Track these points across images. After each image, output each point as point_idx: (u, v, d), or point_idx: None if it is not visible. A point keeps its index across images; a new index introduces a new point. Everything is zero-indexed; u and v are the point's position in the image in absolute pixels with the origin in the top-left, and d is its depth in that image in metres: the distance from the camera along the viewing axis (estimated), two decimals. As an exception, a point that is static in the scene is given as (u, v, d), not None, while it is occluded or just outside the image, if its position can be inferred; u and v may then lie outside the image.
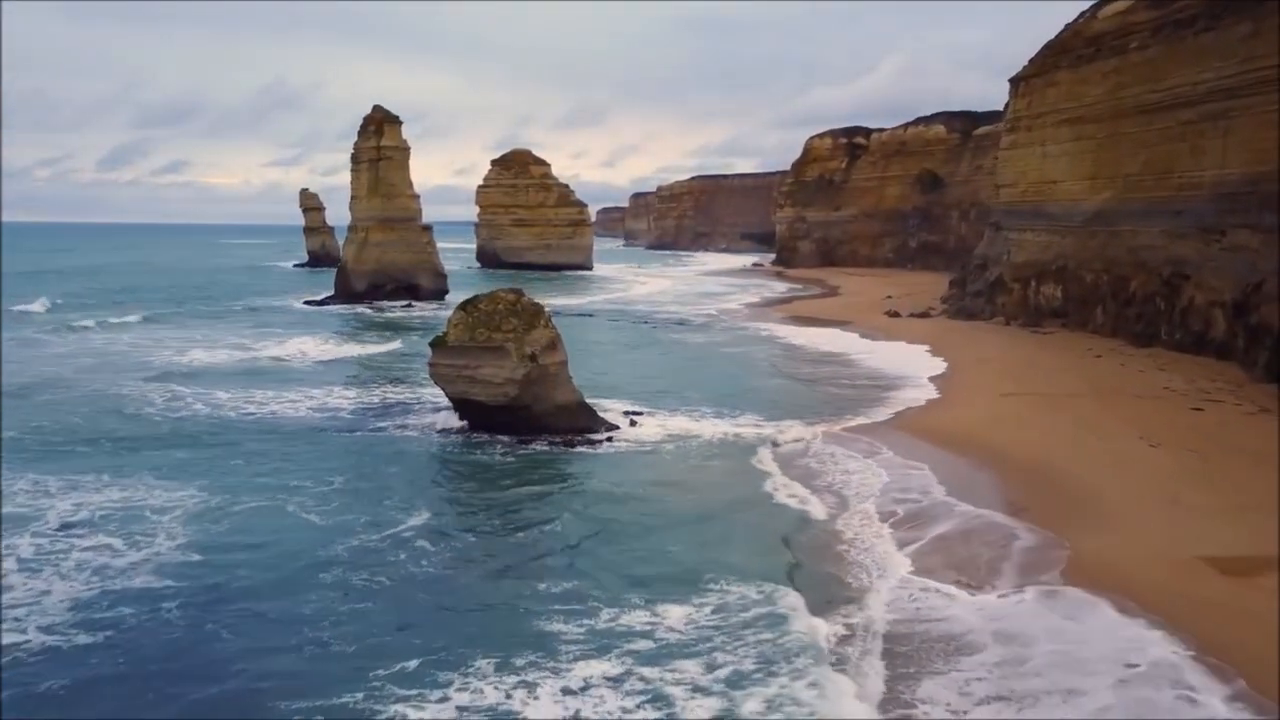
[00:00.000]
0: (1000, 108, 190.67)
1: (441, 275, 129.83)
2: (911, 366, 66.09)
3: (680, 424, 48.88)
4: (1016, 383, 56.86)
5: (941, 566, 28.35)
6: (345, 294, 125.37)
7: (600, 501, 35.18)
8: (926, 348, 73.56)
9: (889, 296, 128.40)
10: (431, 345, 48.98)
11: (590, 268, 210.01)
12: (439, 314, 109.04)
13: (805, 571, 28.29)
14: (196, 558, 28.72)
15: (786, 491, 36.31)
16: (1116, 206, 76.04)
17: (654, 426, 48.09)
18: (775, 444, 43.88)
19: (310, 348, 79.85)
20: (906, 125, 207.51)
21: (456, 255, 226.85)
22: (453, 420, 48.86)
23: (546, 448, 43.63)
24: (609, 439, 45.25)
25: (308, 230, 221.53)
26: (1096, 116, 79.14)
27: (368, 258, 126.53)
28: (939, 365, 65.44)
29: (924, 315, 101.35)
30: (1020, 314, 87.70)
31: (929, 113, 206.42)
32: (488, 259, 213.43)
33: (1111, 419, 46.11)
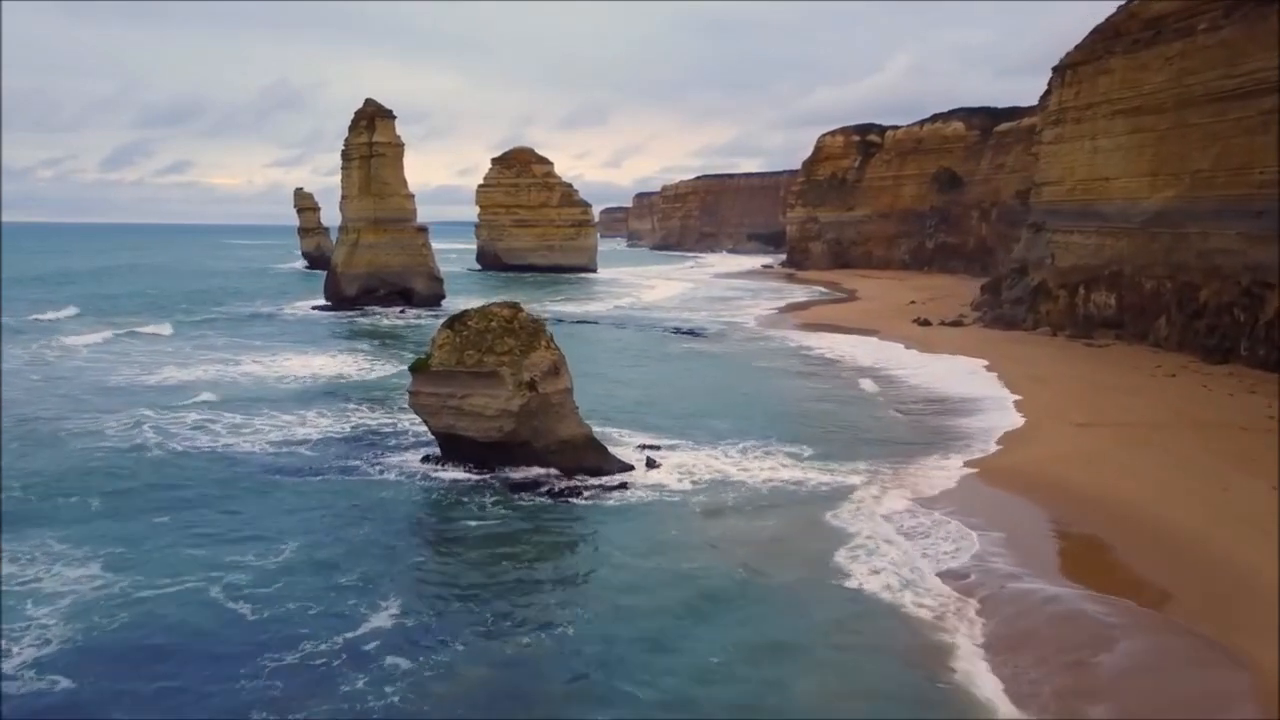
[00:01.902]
0: (1014, 105, 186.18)
1: (437, 279, 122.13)
2: (966, 386, 58.35)
3: (709, 463, 41.19)
4: (1090, 409, 49.26)
5: (1085, 703, 20.75)
6: (335, 299, 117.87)
7: (621, 587, 27.54)
8: (983, 363, 65.84)
9: (913, 302, 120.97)
10: (412, 370, 41.51)
11: (594, 270, 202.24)
12: (435, 321, 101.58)
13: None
14: (60, 685, 21.09)
15: (867, 569, 28.47)
16: (1183, 206, 68.31)
17: (677, 467, 40.42)
18: (840, 498, 35.71)
19: (291, 362, 72.34)
20: (923, 122, 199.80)
21: (458, 257, 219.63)
22: (436, 459, 41.38)
23: (547, 498, 36.03)
24: (623, 485, 37.61)
25: (302, 231, 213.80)
26: (1158, 106, 71.43)
27: (359, 260, 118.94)
28: (997, 386, 57.70)
29: (957, 324, 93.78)
30: (1067, 324, 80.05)
31: (935, 112, 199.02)
32: (488, 260, 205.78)
33: (1224, 460, 38.47)
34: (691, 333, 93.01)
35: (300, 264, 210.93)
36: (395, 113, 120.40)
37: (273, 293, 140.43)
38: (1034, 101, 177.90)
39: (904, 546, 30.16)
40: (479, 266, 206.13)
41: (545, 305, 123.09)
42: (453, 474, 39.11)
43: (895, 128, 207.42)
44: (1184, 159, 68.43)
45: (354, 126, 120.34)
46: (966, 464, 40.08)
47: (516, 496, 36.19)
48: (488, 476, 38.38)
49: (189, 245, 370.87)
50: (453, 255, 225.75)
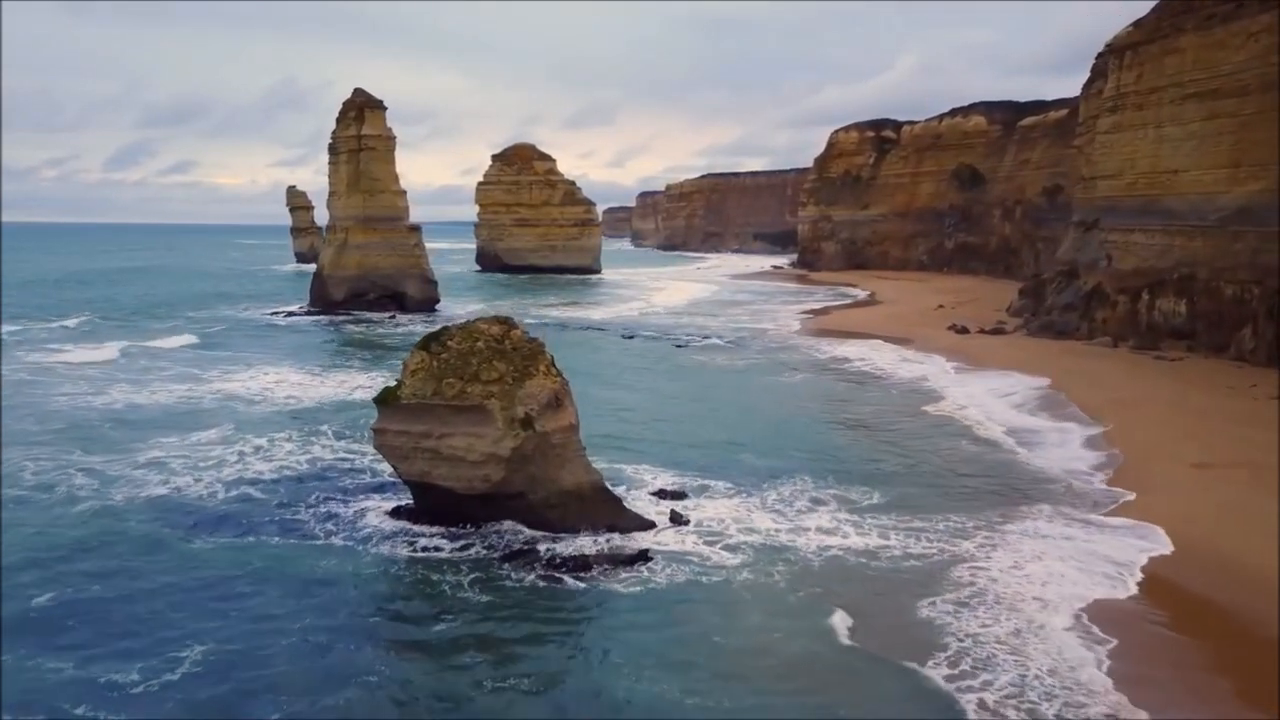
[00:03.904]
0: (1038, 99, 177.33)
1: (431, 282, 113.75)
2: (1036, 411, 50.13)
3: (747, 517, 32.98)
4: (1201, 444, 40.95)
5: None
6: (322, 303, 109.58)
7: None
8: (1045, 381, 57.45)
9: (940, 306, 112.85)
10: (378, 402, 33.34)
11: (598, 271, 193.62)
12: (428, 329, 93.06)
13: None
14: None
15: (992, 699, 20.16)
16: (1272, 201, 60.01)
17: (706, 525, 32.19)
18: (934, 579, 27.00)
19: (266, 378, 63.77)
20: (941, 117, 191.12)
21: (461, 257, 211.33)
22: (408, 512, 33.25)
23: (545, 576, 27.61)
24: (643, 554, 29.24)
25: (295, 231, 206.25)
26: (1239, 89, 63.12)
27: (347, 262, 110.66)
28: (1074, 411, 49.28)
29: (997, 331, 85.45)
30: (1129, 333, 71.70)
31: (948, 109, 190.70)
32: (488, 261, 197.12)
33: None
34: (709, 341, 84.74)
35: (302, 266, 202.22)
36: (400, 111, 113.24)
37: (260, 296, 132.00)
38: (1048, 98, 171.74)
39: (1050, 661, 21.79)
40: (479, 268, 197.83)
41: (547, 310, 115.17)
42: (424, 536, 30.88)
43: (912, 123, 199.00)
44: (1273, 148, 60.12)
45: (342, 118, 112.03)
46: (1088, 524, 31.58)
47: (504, 571, 27.92)
48: (469, 544, 30.13)
49: (191, 245, 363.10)
50: (455, 256, 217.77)
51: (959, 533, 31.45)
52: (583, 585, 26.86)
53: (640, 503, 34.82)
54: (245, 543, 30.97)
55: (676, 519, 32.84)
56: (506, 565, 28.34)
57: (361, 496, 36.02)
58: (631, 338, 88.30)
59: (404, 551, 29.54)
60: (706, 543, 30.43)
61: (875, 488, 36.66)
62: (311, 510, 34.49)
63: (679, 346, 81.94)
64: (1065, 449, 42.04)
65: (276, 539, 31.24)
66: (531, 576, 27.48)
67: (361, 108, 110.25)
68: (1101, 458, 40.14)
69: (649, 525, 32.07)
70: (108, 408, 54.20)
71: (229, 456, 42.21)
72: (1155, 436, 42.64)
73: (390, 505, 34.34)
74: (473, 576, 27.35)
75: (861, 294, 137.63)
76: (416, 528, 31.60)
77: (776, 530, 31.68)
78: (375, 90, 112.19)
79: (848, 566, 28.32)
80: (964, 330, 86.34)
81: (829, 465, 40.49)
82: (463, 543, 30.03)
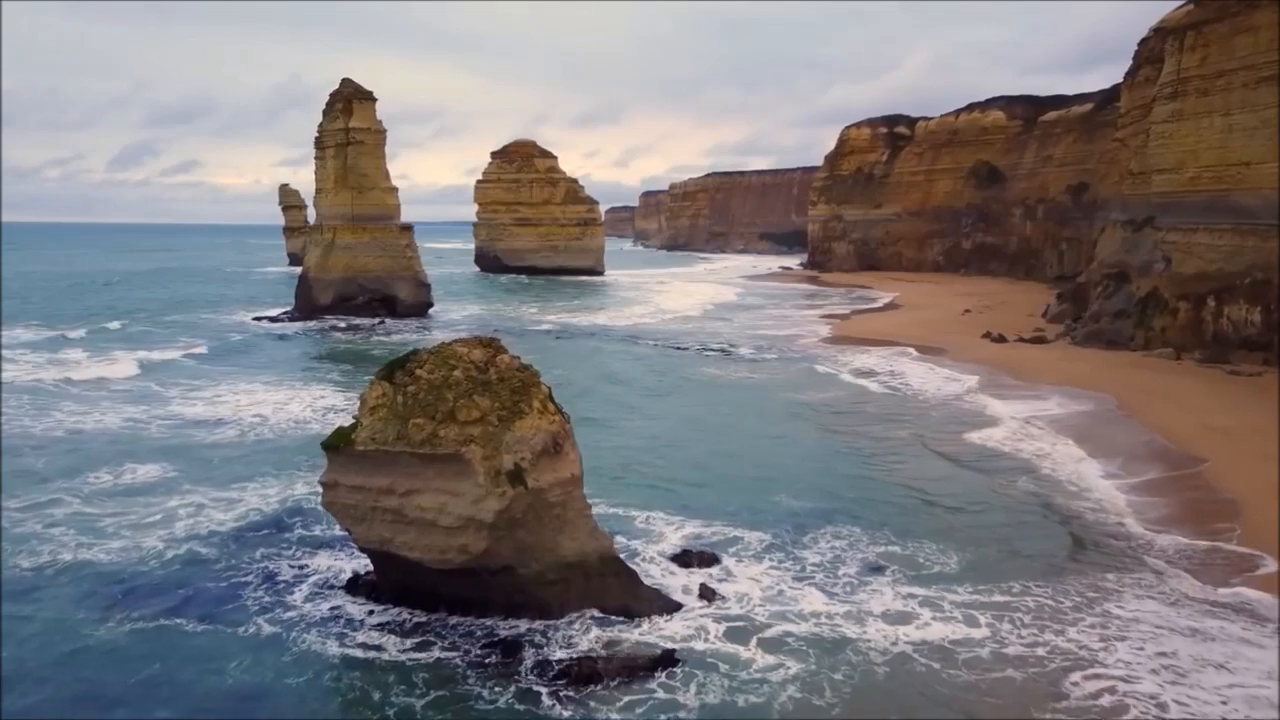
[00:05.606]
0: (1049, 96, 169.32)
1: (424, 285, 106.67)
2: (1113, 441, 42.68)
3: (792, 593, 26.08)
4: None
5: None
6: (307, 307, 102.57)
7: None
8: (1108, 399, 50.46)
9: (967, 310, 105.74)
10: (327, 448, 26.38)
11: (601, 272, 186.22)
12: (423, 336, 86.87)
13: None
14: None
15: None
16: (1367, 196, 53.02)
17: (742, 607, 25.21)
18: (1046, 695, 19.80)
19: (238, 399, 56.25)
20: (958, 112, 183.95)
21: (461, 257, 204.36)
22: (369, 584, 26.36)
23: (530, 695, 20.57)
24: (667, 658, 22.19)
25: (288, 230, 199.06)
26: (1324, 70, 56.14)
27: (335, 264, 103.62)
28: (1157, 439, 42.13)
29: (1038, 340, 78.37)
30: (1192, 343, 64.57)
31: (961, 106, 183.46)
32: (488, 263, 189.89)
33: None
34: (724, 352, 77.61)
35: (295, 268, 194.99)
36: (407, 110, 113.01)
37: (247, 300, 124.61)
38: (1064, 96, 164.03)
39: None
40: (478, 269, 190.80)
41: (547, 316, 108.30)
42: (372, 629, 23.83)
43: (927, 119, 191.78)
44: (1367, 136, 53.10)
45: (329, 110, 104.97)
46: (1252, 614, 24.37)
47: (473, 686, 20.88)
48: (428, 641, 23.08)
49: (189, 246, 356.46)
50: (454, 256, 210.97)
51: (1057, 614, 24.61)
52: (578, 716, 19.72)
53: (656, 567, 28.09)
54: (155, 628, 24.18)
55: (706, 593, 25.91)
56: (480, 672, 21.31)
57: (315, 556, 29.28)
58: (638, 345, 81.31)
59: (340, 650, 22.50)
60: (739, 636, 23.46)
61: (940, 545, 29.83)
62: (251, 575, 27.88)
63: (692, 356, 74.94)
64: (1154, 490, 34.96)
65: (193, 624, 24.39)
66: (510, 695, 20.40)
67: (349, 99, 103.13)
68: (1206, 503, 33.09)
69: (674, 606, 25.16)
70: (46, 434, 47.39)
71: (172, 503, 35.35)
72: (1270, 475, 35.56)
73: (349, 569, 27.55)
74: (431, 697, 20.32)
75: (880, 297, 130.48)
76: (364, 615, 24.57)
77: (829, 615, 24.70)
78: (381, 89, 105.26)
79: (923, 676, 21.27)
80: (1001, 339, 79.31)
81: (878, 511, 33.71)
82: (422, 639, 23.00)
